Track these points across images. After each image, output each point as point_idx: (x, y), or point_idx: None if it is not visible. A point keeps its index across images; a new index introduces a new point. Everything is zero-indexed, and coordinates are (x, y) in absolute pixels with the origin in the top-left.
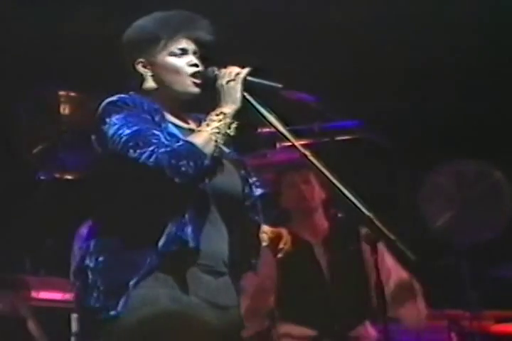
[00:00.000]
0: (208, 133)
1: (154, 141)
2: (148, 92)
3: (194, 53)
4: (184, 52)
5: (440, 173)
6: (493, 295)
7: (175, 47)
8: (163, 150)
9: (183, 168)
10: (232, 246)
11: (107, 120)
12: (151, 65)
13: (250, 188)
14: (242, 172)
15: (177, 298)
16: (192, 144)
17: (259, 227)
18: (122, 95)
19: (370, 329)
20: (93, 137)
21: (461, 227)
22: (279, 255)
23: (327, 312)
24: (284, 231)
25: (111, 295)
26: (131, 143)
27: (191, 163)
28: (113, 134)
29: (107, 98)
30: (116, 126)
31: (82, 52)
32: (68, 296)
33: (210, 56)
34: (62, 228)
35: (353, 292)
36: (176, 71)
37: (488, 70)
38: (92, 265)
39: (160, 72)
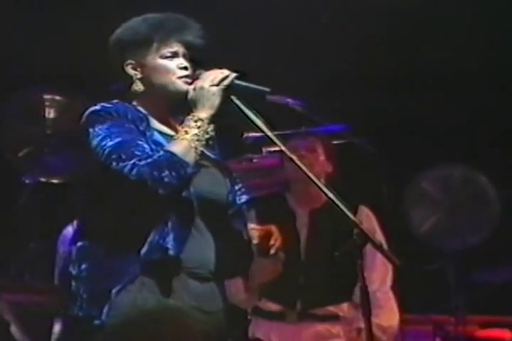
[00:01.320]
0: (188, 141)
1: (137, 152)
2: (136, 96)
3: (184, 56)
4: (175, 55)
5: (426, 178)
6: (478, 300)
7: (167, 50)
8: (144, 162)
9: (166, 179)
10: (218, 253)
11: (91, 130)
12: (140, 66)
13: (234, 196)
14: (227, 178)
15: (164, 302)
16: (172, 154)
17: (242, 235)
18: (106, 104)
19: (348, 309)
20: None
21: (446, 232)
22: (271, 251)
23: (294, 288)
24: (273, 228)
25: (94, 303)
26: (113, 156)
27: (174, 173)
28: (96, 145)
29: (92, 102)
30: (99, 137)
31: (68, 55)
32: (52, 300)
33: (199, 59)
34: (46, 232)
35: (326, 271)
36: (167, 73)
37: (476, 75)
38: (74, 272)
39: (150, 74)
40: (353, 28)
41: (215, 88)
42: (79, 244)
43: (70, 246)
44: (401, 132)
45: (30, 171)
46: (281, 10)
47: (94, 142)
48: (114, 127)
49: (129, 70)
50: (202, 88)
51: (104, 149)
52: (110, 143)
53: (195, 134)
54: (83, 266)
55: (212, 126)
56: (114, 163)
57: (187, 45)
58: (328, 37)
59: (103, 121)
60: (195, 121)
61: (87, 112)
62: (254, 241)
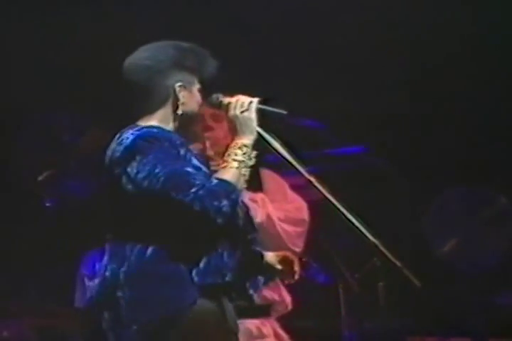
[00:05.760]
0: (237, 169)
1: (192, 181)
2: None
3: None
4: (203, 90)
5: (445, 199)
6: (498, 323)
7: (199, 85)
8: (203, 192)
9: (224, 209)
10: (237, 275)
11: (138, 157)
12: (184, 91)
13: (250, 222)
14: (243, 205)
15: (223, 325)
16: (227, 182)
17: (260, 258)
18: (150, 129)
19: (284, 294)
20: (119, 172)
21: (467, 253)
22: (296, 277)
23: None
24: (290, 255)
25: (150, 331)
26: (170, 184)
27: (230, 202)
28: (149, 173)
29: (112, 125)
30: (150, 165)
31: (89, 79)
32: (71, 324)
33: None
34: (68, 256)
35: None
36: (198, 104)
37: (497, 95)
38: (124, 296)
39: (189, 100)
40: (374, 48)
41: (247, 113)
42: (127, 267)
43: (101, 270)
44: (421, 153)
45: (50, 195)
46: (299, 31)
47: (146, 169)
48: (162, 153)
49: (178, 91)
50: (236, 117)
51: (158, 177)
52: (164, 171)
53: (243, 161)
54: (133, 291)
55: (255, 153)
56: (172, 193)
57: (201, 81)
58: (348, 59)
59: (150, 147)
60: (240, 148)
61: (131, 136)
62: (278, 267)
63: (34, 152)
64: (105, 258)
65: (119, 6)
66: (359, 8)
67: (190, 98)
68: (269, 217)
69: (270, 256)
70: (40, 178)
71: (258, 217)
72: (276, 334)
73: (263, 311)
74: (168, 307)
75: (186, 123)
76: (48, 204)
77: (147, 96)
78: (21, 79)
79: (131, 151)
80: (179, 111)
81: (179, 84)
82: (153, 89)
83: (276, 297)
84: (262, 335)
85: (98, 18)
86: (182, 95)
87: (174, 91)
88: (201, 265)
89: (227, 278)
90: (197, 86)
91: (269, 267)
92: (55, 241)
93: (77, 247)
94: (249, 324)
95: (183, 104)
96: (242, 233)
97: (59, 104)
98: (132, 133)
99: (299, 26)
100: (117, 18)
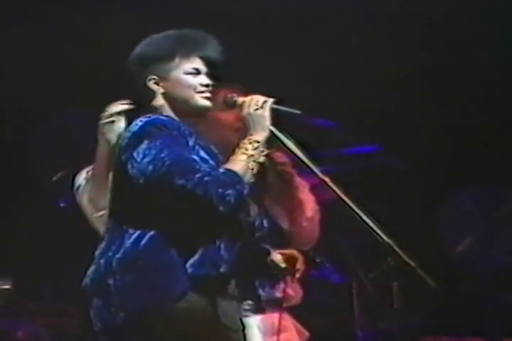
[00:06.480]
0: (246, 162)
1: (198, 167)
2: (157, 110)
3: (206, 74)
4: (198, 71)
5: (461, 198)
6: None
7: (189, 66)
8: (208, 179)
9: (227, 197)
10: (241, 272)
11: (146, 141)
12: (163, 81)
13: (261, 220)
14: (256, 202)
15: (209, 320)
16: (234, 173)
17: (266, 255)
18: (160, 116)
19: (298, 289)
20: (126, 158)
21: (481, 253)
22: (297, 275)
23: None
24: (295, 252)
25: (138, 317)
26: (175, 169)
27: (235, 192)
28: (154, 158)
29: (126, 125)
30: (156, 149)
31: (103, 79)
32: (85, 323)
33: (218, 75)
34: (81, 256)
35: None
36: (188, 88)
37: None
38: (114, 283)
39: (173, 89)
40: (390, 46)
41: (260, 111)
42: (121, 255)
43: (110, 257)
44: (435, 152)
45: (65, 195)
46: (312, 32)
47: (152, 153)
48: (170, 139)
49: (152, 85)
50: (249, 114)
51: (164, 161)
52: (170, 156)
53: (252, 155)
54: (126, 278)
55: (266, 151)
56: (176, 177)
57: (207, 61)
58: (360, 58)
59: (159, 133)
60: (251, 143)
61: (140, 123)
62: (282, 265)
63: (48, 152)
64: (102, 246)
65: (131, 5)
66: (376, 5)
67: (173, 86)
68: (315, 209)
69: (276, 255)
70: (54, 178)
71: (311, 209)
72: (295, 327)
73: (277, 303)
74: (156, 295)
75: (193, 112)
76: (62, 205)
77: (143, 97)
78: (35, 79)
79: (138, 136)
80: (156, 103)
81: (148, 78)
82: (141, 90)
83: (290, 292)
84: (285, 329)
85: (111, 16)
86: (161, 86)
87: (148, 87)
88: (196, 256)
89: (221, 270)
90: (184, 68)
91: (273, 265)
92: (68, 242)
93: (91, 248)
94: (271, 318)
95: (163, 94)
96: (249, 229)
97: (73, 103)
98: (141, 120)
99: (314, 25)
100: (130, 17)
